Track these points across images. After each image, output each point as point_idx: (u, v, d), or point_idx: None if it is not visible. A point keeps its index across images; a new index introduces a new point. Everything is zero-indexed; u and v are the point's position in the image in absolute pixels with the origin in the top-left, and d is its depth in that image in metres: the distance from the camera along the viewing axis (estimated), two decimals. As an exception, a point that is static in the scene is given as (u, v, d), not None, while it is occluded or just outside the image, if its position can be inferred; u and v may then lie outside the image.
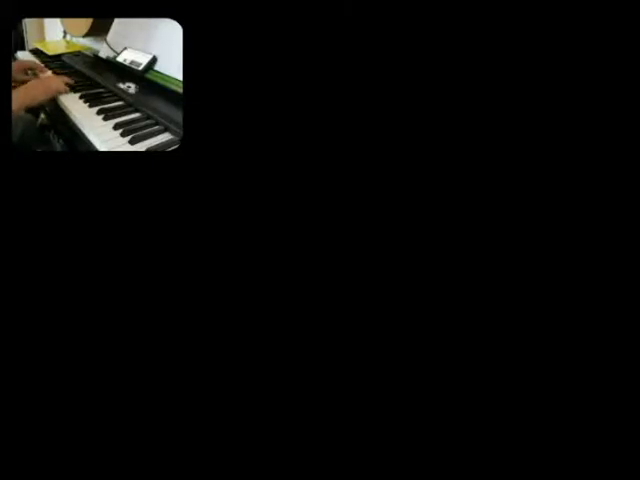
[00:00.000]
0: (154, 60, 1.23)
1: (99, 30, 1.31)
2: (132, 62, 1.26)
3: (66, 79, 1.22)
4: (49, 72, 1.27)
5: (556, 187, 1.03)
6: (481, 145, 1.02)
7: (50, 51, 1.35)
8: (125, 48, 1.29)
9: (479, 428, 1.02)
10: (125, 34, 1.28)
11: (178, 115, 1.03)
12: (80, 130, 1.14)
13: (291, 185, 1.03)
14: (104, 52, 1.34)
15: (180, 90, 1.03)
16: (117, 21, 1.26)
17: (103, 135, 1.11)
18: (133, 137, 1.09)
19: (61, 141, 1.16)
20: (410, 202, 1.03)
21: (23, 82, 1.14)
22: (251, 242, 1.03)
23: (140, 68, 1.24)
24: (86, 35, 1.34)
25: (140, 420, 1.01)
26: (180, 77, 1.02)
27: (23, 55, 1.31)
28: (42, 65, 1.28)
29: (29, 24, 1.28)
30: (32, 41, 1.32)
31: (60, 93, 1.19)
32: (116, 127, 1.13)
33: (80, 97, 1.21)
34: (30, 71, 1.21)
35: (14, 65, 1.04)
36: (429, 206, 1.03)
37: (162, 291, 1.03)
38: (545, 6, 1.02)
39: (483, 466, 1.02)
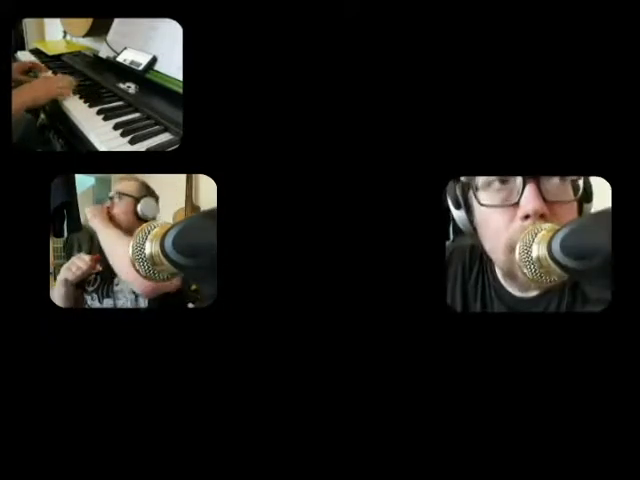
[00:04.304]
0: (154, 60, 1.23)
1: (99, 30, 1.31)
2: (132, 62, 1.26)
3: (69, 79, 1.22)
4: (49, 72, 1.27)
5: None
6: (483, 148, 1.02)
7: (50, 51, 1.35)
8: (125, 48, 1.29)
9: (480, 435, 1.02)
10: (125, 34, 1.28)
11: (178, 115, 1.03)
12: (80, 130, 1.14)
13: (291, 184, 1.03)
14: (104, 52, 1.33)
15: (180, 90, 1.03)
16: (117, 21, 1.26)
17: (103, 135, 1.11)
18: (133, 137, 1.10)
19: (61, 141, 1.16)
20: (411, 205, 1.03)
21: (23, 83, 1.13)
22: (253, 238, 1.03)
23: (140, 68, 1.25)
24: (86, 35, 1.34)
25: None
26: (180, 77, 1.02)
27: (23, 55, 1.31)
28: (42, 65, 1.28)
29: (29, 24, 1.28)
30: (32, 41, 1.32)
31: (62, 95, 1.19)
32: (116, 127, 1.13)
33: (80, 97, 1.21)
34: (31, 72, 1.21)
35: (14, 66, 1.04)
36: (429, 209, 1.03)
37: None
38: (546, 7, 1.02)
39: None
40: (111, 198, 1.26)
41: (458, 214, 1.01)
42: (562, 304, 0.97)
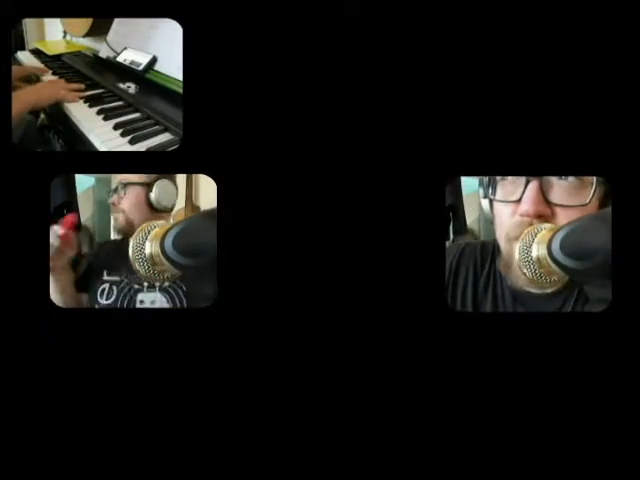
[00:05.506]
0: (154, 60, 1.23)
1: (99, 30, 1.31)
2: (132, 62, 1.27)
3: (75, 86, 1.22)
4: (50, 73, 1.27)
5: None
6: (483, 148, 1.02)
7: (50, 51, 1.35)
8: (125, 48, 1.29)
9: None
10: (125, 34, 1.28)
11: (178, 115, 1.03)
12: (80, 130, 1.14)
13: (291, 183, 1.03)
14: (104, 52, 1.33)
15: (180, 90, 1.03)
16: (117, 21, 1.26)
17: (103, 135, 1.11)
18: (133, 137, 1.09)
19: (61, 141, 1.16)
20: (411, 204, 1.03)
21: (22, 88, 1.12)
22: (253, 238, 1.03)
23: (140, 68, 1.25)
24: (86, 35, 1.34)
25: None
26: (180, 77, 1.02)
27: (23, 55, 1.31)
28: (46, 69, 1.28)
29: (29, 24, 1.28)
30: (32, 41, 1.32)
31: (68, 99, 1.19)
32: (116, 127, 1.13)
33: (80, 97, 1.21)
34: (34, 76, 1.21)
35: (15, 71, 1.04)
36: (429, 208, 1.03)
37: None
38: (548, 6, 1.02)
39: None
40: (115, 191, 1.10)
41: (484, 204, 1.04)
42: (579, 302, 0.98)
